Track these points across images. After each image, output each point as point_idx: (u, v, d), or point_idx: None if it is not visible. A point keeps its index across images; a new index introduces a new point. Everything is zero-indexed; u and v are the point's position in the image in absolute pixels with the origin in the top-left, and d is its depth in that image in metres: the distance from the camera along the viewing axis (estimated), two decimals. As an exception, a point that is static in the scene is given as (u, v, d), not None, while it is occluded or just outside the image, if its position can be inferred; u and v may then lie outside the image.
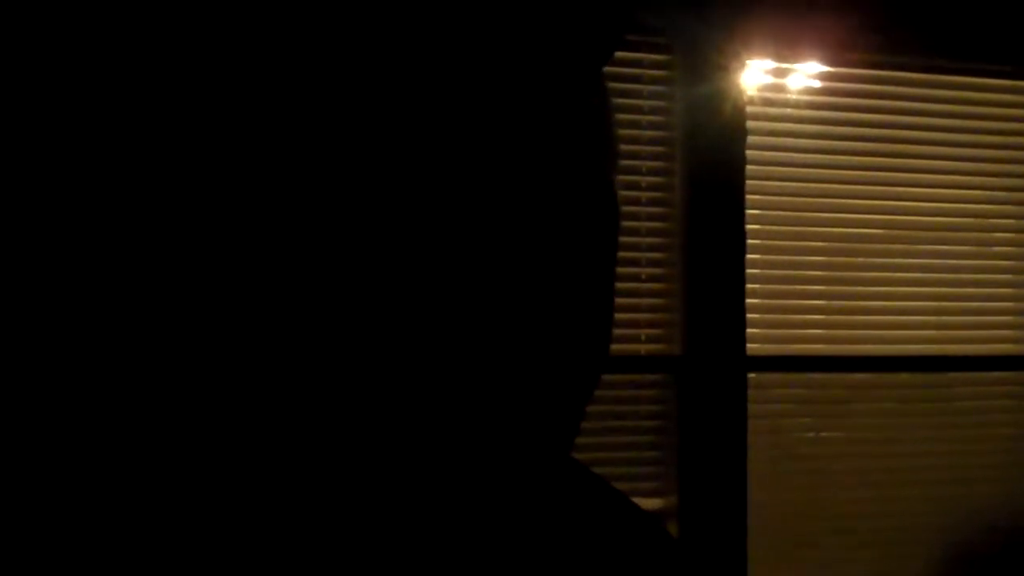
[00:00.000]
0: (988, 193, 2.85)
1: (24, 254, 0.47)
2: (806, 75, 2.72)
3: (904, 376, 2.77)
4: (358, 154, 0.48)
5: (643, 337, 2.57)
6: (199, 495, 0.47)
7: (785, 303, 2.70)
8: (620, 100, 2.53)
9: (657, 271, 2.59)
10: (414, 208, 0.48)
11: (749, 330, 2.63)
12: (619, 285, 0.64)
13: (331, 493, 0.49)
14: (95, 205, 0.47)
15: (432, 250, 0.48)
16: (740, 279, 2.61)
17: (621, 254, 0.62)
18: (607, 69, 0.57)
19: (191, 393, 0.47)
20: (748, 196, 2.64)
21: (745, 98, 2.63)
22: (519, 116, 0.50)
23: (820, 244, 2.73)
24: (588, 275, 0.54)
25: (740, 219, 2.62)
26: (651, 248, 2.59)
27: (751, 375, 2.63)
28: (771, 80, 2.70)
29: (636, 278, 2.58)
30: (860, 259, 2.75)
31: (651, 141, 2.60)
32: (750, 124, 2.65)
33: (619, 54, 2.34)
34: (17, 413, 0.47)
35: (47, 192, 0.47)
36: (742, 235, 2.62)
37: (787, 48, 2.67)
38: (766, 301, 2.67)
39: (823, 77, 2.73)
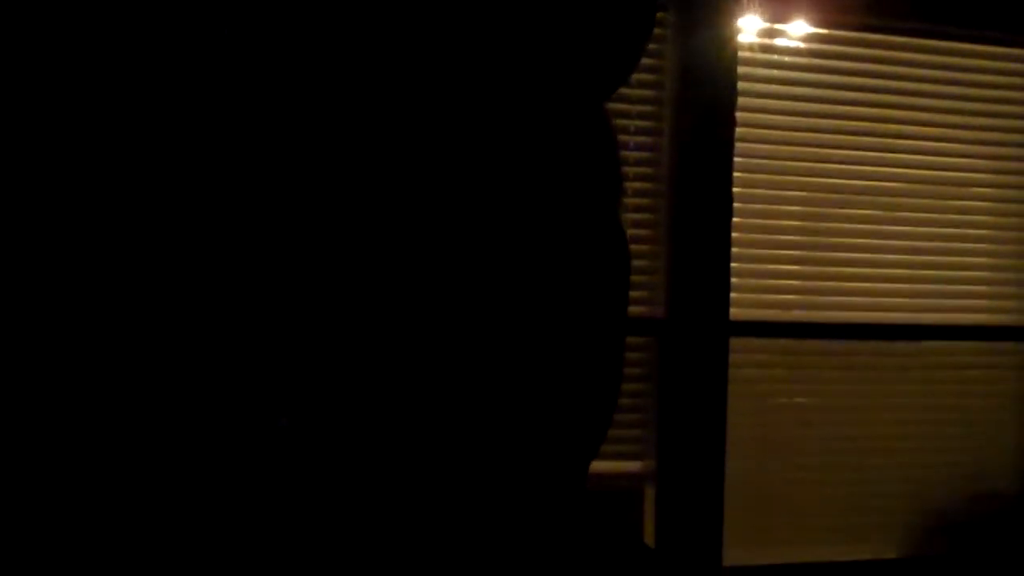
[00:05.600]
0: (970, 161, 2.85)
1: (27, 255, 0.46)
2: (796, 36, 2.70)
3: (883, 344, 2.78)
4: (370, 206, 0.46)
5: (626, 299, 2.55)
6: (199, 495, 0.46)
7: (766, 268, 2.70)
8: (608, 57, 2.49)
9: (642, 232, 2.57)
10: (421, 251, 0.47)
11: (732, 295, 2.62)
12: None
13: (345, 495, 0.48)
14: (101, 208, 0.46)
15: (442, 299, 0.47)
16: (726, 243, 2.59)
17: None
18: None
19: (193, 394, 0.46)
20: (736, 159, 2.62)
21: (736, 58, 2.60)
22: (528, 154, 0.49)
23: (802, 209, 2.72)
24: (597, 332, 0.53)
25: (727, 183, 2.60)
26: (636, 209, 2.57)
27: (733, 339, 2.63)
28: (761, 40, 2.67)
29: (620, 239, 2.55)
30: (842, 225, 2.74)
31: (640, 100, 2.57)
32: (740, 85, 2.62)
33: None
34: (17, 413, 0.46)
35: (52, 193, 0.46)
36: (729, 199, 2.60)
37: (778, 8, 2.64)
38: (748, 266, 2.66)
39: (813, 39, 2.71)
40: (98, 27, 0.47)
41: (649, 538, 2.60)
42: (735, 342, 2.63)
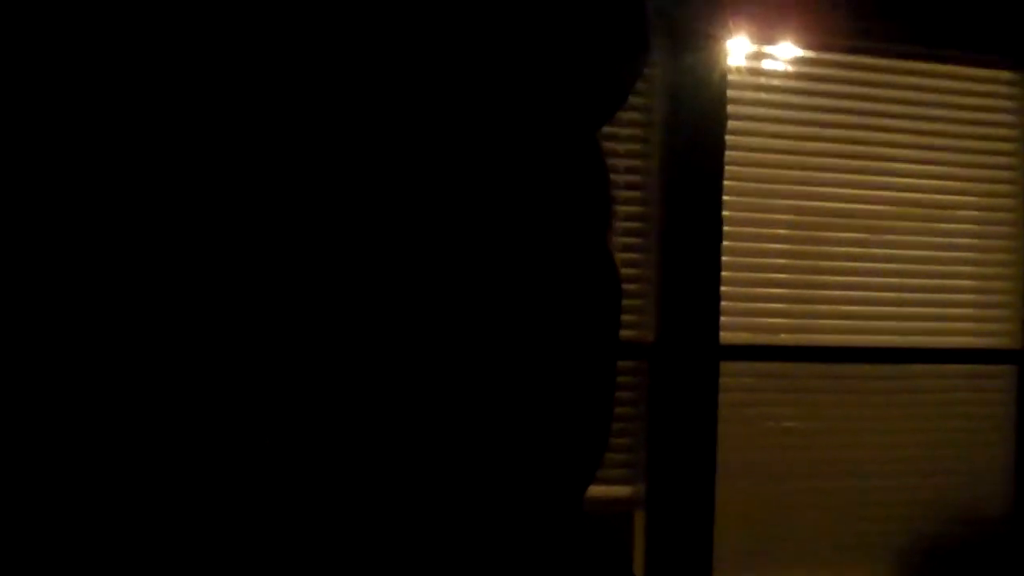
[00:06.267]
0: (956, 184, 2.86)
1: (26, 254, 0.46)
2: (784, 59, 2.71)
3: (872, 366, 2.78)
4: (361, 232, 0.46)
5: (615, 323, 2.55)
6: (200, 495, 0.46)
7: (756, 291, 2.69)
8: (596, 81, 2.49)
9: (631, 256, 2.57)
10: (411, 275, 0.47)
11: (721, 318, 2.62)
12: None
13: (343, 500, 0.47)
14: (101, 208, 0.46)
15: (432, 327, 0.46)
16: (716, 266, 2.59)
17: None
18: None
19: (194, 394, 0.46)
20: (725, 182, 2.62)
21: (725, 81, 2.61)
22: (518, 182, 0.49)
23: (791, 232, 2.72)
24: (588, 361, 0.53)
25: (717, 205, 2.60)
26: (626, 233, 2.57)
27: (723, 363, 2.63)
28: (750, 63, 2.68)
29: (609, 262, 2.55)
30: (830, 248, 2.74)
31: (629, 123, 2.57)
32: (729, 108, 2.63)
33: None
34: (17, 413, 0.45)
35: (50, 192, 0.46)
36: (719, 222, 2.60)
37: (766, 31, 2.66)
38: (738, 289, 2.66)
39: (801, 62, 2.72)
40: (98, 28, 0.47)
41: (639, 563, 2.58)
42: (725, 366, 2.63)
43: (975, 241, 2.89)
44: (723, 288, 2.62)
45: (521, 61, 0.51)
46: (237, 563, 0.47)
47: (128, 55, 0.47)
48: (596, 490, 2.28)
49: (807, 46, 2.70)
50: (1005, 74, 2.89)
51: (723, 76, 2.60)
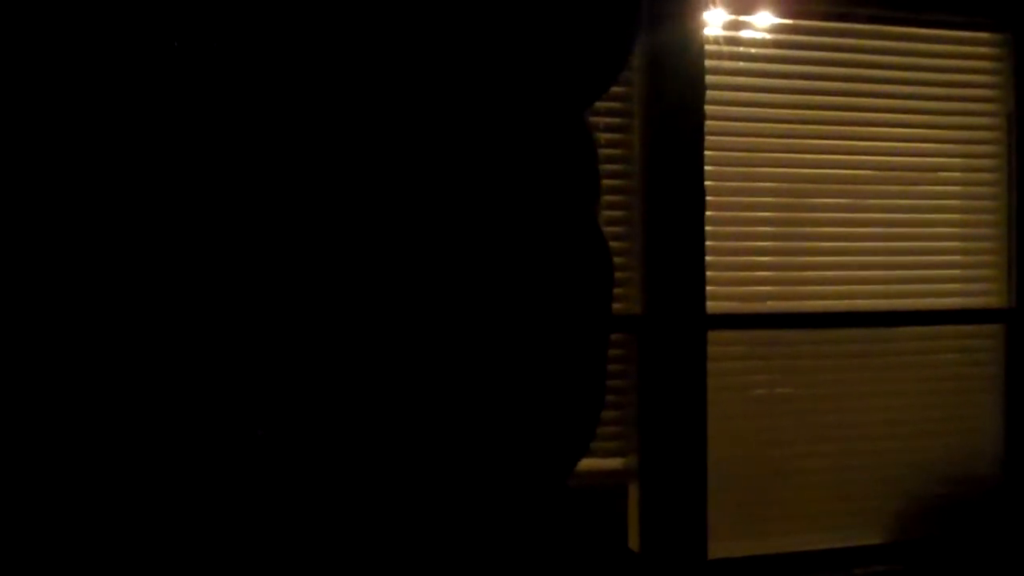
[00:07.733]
0: (938, 146, 2.86)
1: (26, 254, 0.46)
2: (762, 28, 2.70)
3: (859, 331, 2.79)
4: (354, 214, 0.46)
5: (602, 296, 2.55)
6: (199, 495, 0.46)
7: (741, 260, 2.70)
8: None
9: (616, 229, 2.57)
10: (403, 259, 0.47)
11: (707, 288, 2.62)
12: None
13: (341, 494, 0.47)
14: (101, 208, 0.46)
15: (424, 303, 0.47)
16: (700, 236, 2.59)
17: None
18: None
19: (192, 393, 0.46)
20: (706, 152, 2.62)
21: (703, 51, 2.61)
22: (506, 161, 0.49)
23: (774, 200, 2.73)
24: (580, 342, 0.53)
25: (699, 176, 2.60)
26: (609, 206, 2.57)
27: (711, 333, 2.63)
28: (728, 33, 2.68)
29: (594, 237, 2.55)
30: (814, 214, 2.75)
31: (608, 96, 2.57)
32: (708, 78, 2.62)
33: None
34: (18, 413, 0.45)
35: (50, 192, 0.46)
36: (701, 193, 2.60)
37: (743, 0, 2.65)
38: (723, 258, 2.67)
39: (779, 29, 2.71)
40: (98, 29, 0.47)
41: (634, 534, 2.60)
42: (712, 335, 2.63)
43: (959, 202, 2.90)
44: (709, 258, 2.62)
45: (511, 40, 0.51)
46: (232, 554, 0.47)
47: (129, 56, 0.47)
48: (589, 463, 2.28)
49: (785, 14, 2.69)
50: (985, 35, 2.89)
51: (702, 46, 2.60)
